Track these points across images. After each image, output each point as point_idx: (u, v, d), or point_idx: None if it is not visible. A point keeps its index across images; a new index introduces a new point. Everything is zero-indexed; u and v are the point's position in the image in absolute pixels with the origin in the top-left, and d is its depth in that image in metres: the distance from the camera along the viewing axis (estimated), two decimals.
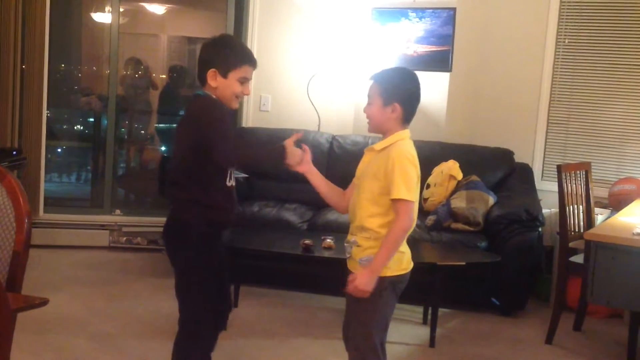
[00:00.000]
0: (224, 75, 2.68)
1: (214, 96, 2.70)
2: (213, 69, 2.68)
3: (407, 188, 2.45)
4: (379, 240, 2.50)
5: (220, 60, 2.68)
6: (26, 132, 5.41)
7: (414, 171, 2.49)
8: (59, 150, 6.92)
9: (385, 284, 2.52)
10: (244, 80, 2.72)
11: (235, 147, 2.67)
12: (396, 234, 2.46)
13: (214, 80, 2.68)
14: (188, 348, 2.78)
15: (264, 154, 2.82)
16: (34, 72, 5.37)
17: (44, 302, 2.18)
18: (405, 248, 2.57)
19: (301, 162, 2.67)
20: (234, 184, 2.78)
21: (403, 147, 2.51)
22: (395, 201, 2.46)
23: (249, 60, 2.73)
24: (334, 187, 2.76)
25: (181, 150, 2.74)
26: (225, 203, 2.75)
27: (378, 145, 2.57)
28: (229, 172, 2.74)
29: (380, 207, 2.51)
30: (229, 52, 2.71)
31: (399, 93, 2.54)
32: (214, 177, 2.70)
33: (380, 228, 2.51)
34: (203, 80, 2.72)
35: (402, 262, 2.55)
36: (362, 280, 2.46)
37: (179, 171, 2.74)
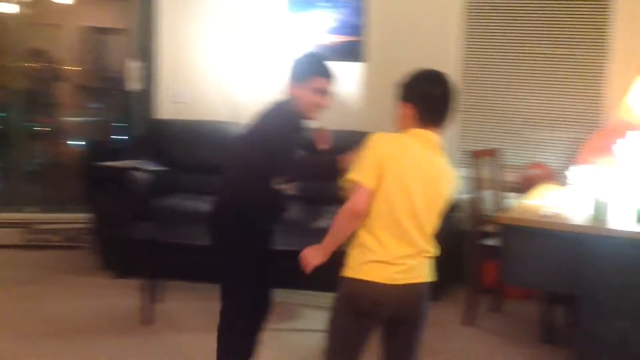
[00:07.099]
0: (300, 86, 2.90)
1: (294, 106, 2.90)
2: (292, 81, 2.93)
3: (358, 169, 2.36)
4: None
5: (296, 71, 2.94)
6: None
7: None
8: None
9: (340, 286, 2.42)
10: (321, 92, 2.91)
11: (295, 170, 2.92)
12: (339, 214, 2.35)
13: (292, 91, 2.92)
14: (227, 336, 3.01)
15: (319, 170, 2.95)
16: None
17: None
18: (381, 249, 2.38)
19: None
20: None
21: None
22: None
23: (321, 72, 2.93)
24: None
25: (242, 146, 3.00)
26: (273, 195, 2.96)
27: None
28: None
29: None
30: (305, 65, 2.96)
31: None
32: (266, 174, 2.90)
33: None
34: (287, 92, 2.95)
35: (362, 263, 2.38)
36: (310, 250, 2.41)
37: (234, 166, 2.98)
